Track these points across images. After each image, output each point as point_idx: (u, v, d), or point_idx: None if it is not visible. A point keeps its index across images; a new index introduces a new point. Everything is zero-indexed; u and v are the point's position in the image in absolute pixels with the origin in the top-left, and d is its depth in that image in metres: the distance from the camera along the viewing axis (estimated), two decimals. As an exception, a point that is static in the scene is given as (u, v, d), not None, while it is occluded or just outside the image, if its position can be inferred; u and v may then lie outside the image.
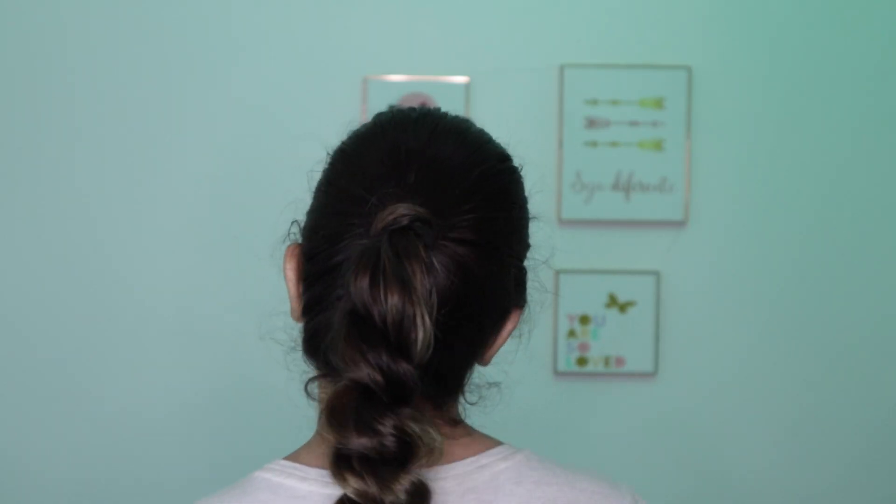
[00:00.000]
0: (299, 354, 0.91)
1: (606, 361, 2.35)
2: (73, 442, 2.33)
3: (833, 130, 2.39)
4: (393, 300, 0.77)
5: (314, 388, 0.87)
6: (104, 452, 2.33)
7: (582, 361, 2.35)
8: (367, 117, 2.38)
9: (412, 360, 0.78)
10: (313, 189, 0.93)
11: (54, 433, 2.33)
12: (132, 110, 2.33)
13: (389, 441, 0.76)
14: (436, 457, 0.79)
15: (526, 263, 0.92)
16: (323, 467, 0.83)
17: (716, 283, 2.38)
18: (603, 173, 2.35)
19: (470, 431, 0.90)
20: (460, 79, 2.32)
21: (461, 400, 0.90)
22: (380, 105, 2.30)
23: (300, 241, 0.91)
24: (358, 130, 0.93)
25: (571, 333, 2.35)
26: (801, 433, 2.39)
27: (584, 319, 2.35)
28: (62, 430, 2.33)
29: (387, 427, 0.76)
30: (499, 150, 0.93)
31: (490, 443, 0.89)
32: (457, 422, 0.89)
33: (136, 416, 2.33)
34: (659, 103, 2.36)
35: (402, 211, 0.80)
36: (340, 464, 0.77)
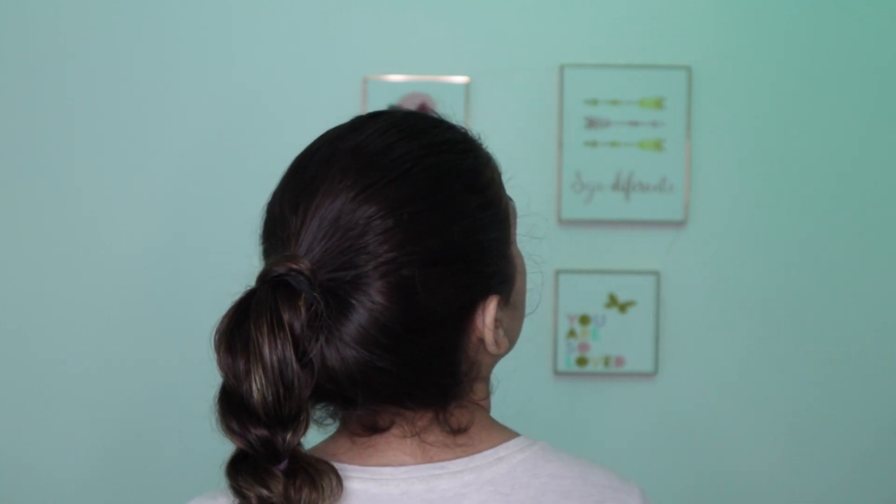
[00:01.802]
0: None
1: (606, 361, 2.36)
2: (73, 442, 2.33)
3: (833, 130, 2.39)
4: (261, 386, 0.79)
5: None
6: (104, 453, 2.33)
7: (582, 361, 2.36)
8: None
9: (281, 423, 0.80)
10: None
11: (54, 434, 2.33)
12: (129, 110, 2.33)
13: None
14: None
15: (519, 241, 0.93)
16: (343, 462, 0.86)
17: (716, 283, 2.38)
18: (603, 173, 2.35)
19: (487, 423, 0.91)
20: (460, 79, 2.32)
21: (470, 398, 0.90)
22: (380, 105, 2.30)
23: None
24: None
25: (571, 333, 2.35)
26: (801, 433, 2.39)
27: (584, 319, 2.35)
28: (62, 431, 2.33)
29: (269, 493, 0.80)
30: (435, 141, 0.89)
31: (507, 434, 0.91)
32: (461, 428, 0.89)
33: (136, 416, 2.33)
34: (659, 103, 2.36)
35: (272, 265, 0.82)
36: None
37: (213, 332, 0.80)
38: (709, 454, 2.39)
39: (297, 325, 0.79)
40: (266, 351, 0.78)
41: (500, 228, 0.90)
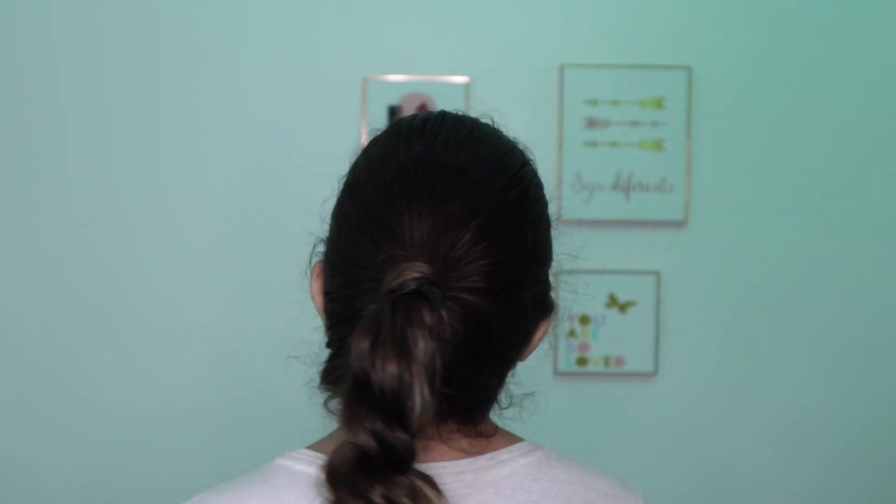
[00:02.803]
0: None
1: (606, 361, 2.35)
2: (73, 443, 2.33)
3: (833, 130, 2.39)
4: (391, 369, 0.77)
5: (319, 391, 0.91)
6: (104, 453, 2.33)
7: (582, 361, 2.35)
8: (367, 117, 2.39)
9: (408, 429, 0.77)
10: (336, 192, 0.92)
11: (55, 436, 2.33)
12: (129, 110, 2.33)
13: None
14: None
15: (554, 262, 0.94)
16: None
17: (716, 283, 2.38)
18: (603, 173, 2.35)
19: (493, 428, 0.91)
20: (460, 79, 2.32)
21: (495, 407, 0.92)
22: (380, 105, 2.30)
23: (323, 257, 0.91)
24: (360, 160, 0.91)
25: (571, 333, 2.35)
26: (801, 432, 2.39)
27: (584, 319, 2.35)
28: (62, 433, 2.33)
29: (376, 495, 0.76)
30: (514, 159, 0.92)
31: (511, 439, 0.91)
32: (483, 433, 0.90)
33: (135, 417, 2.33)
34: (659, 103, 2.36)
35: (408, 275, 0.79)
36: None
37: (356, 348, 0.78)
38: (708, 454, 2.39)
39: (436, 335, 0.79)
40: (423, 358, 0.77)
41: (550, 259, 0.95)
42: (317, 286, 0.90)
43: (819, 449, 2.40)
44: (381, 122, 2.27)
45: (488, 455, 0.88)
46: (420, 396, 0.77)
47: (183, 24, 2.34)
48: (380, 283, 0.80)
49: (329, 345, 0.89)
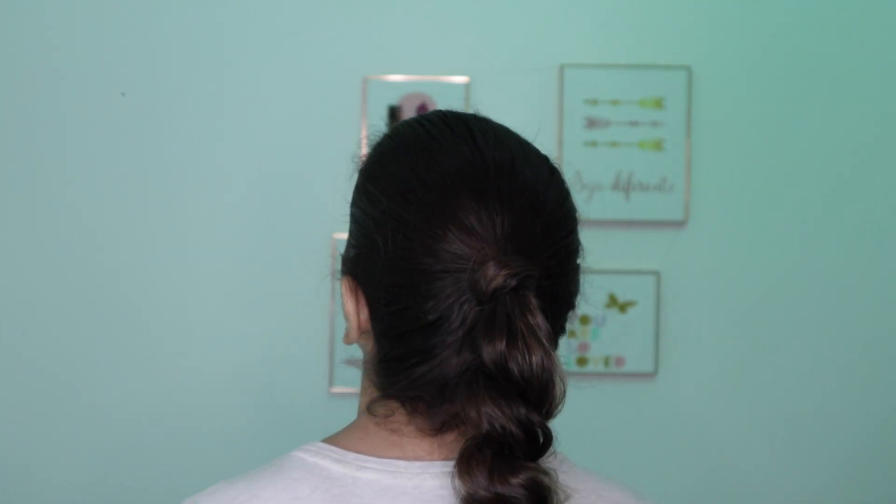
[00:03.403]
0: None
1: (606, 361, 2.35)
2: (73, 444, 2.33)
3: (833, 130, 2.39)
4: (536, 359, 0.80)
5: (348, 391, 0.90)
6: (105, 454, 2.33)
7: (582, 361, 2.35)
8: (367, 117, 2.39)
9: (550, 414, 0.81)
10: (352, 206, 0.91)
11: (55, 436, 2.33)
12: (129, 110, 2.33)
13: (521, 494, 0.78)
14: None
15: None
16: (360, 452, 0.87)
17: (716, 283, 2.38)
18: (603, 173, 2.35)
19: None
20: (460, 79, 2.32)
21: None
22: (380, 105, 2.30)
23: (348, 266, 0.90)
24: (397, 167, 0.89)
25: (571, 333, 2.35)
26: (801, 433, 2.39)
27: (584, 319, 2.35)
28: (63, 433, 2.33)
29: (519, 480, 0.78)
30: (541, 153, 0.92)
31: None
32: None
33: (136, 418, 2.33)
34: (659, 103, 2.36)
35: (509, 270, 0.81)
36: None
37: (492, 348, 0.80)
38: (708, 454, 2.39)
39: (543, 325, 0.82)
40: (551, 345, 0.82)
41: None
42: (352, 304, 0.88)
43: (819, 449, 2.40)
44: (381, 122, 2.27)
45: None
46: (561, 382, 0.81)
47: (183, 24, 2.34)
48: (462, 286, 0.82)
49: (389, 358, 0.87)
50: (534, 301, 0.82)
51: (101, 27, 2.33)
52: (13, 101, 2.33)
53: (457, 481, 0.79)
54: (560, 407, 0.81)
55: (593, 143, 2.36)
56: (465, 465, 0.79)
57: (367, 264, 0.86)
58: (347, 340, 0.91)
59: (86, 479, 2.33)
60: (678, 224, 2.37)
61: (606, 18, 2.37)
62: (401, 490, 0.85)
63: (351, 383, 2.23)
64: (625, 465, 2.32)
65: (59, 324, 2.33)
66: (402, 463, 0.86)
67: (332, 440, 0.90)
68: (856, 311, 2.40)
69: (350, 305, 0.88)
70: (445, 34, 2.36)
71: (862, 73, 2.39)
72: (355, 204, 0.90)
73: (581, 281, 0.94)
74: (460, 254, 0.82)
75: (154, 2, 2.33)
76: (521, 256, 0.82)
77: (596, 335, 2.35)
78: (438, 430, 0.86)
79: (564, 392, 0.82)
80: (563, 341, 2.41)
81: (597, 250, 2.65)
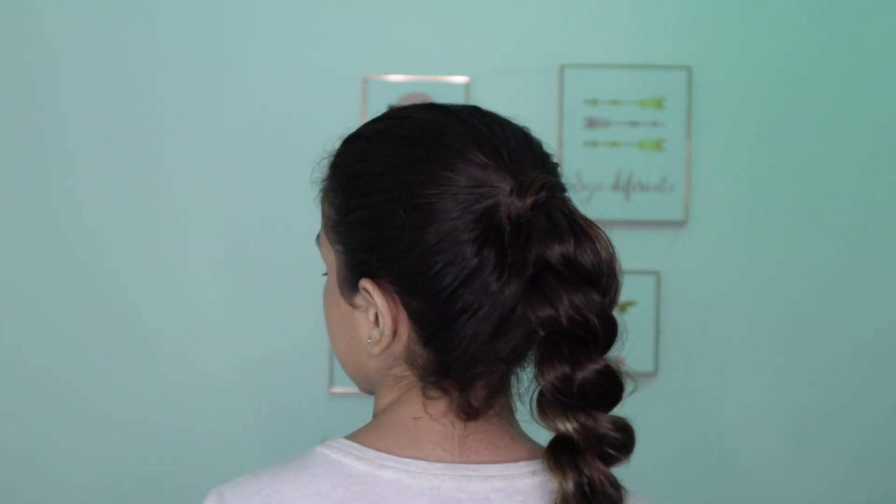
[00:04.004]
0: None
1: (606, 361, 2.35)
2: (73, 444, 2.33)
3: (833, 130, 2.39)
4: (602, 247, 0.85)
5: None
6: (103, 454, 2.33)
7: (582, 361, 2.35)
8: (367, 117, 2.39)
9: (615, 302, 0.89)
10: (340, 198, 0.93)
11: (54, 436, 2.33)
12: (130, 109, 2.33)
13: (598, 382, 0.84)
14: None
15: None
16: (380, 450, 0.87)
17: (716, 283, 2.38)
18: (603, 173, 2.35)
19: (521, 434, 0.92)
20: (460, 79, 2.32)
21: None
22: (380, 105, 2.30)
23: (372, 268, 0.90)
24: (374, 143, 0.93)
25: (571, 333, 2.34)
26: (802, 432, 2.40)
27: (584, 319, 2.35)
28: (62, 433, 2.33)
29: (598, 367, 0.85)
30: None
31: (541, 450, 0.90)
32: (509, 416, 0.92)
33: (136, 418, 2.33)
34: (659, 103, 2.36)
35: (540, 181, 0.85)
36: (569, 402, 0.82)
37: (549, 245, 0.83)
38: (708, 454, 2.39)
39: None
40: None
41: None
42: (382, 299, 0.88)
43: (820, 449, 2.40)
44: (381, 122, 2.27)
45: (519, 463, 0.89)
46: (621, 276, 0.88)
47: (183, 24, 2.34)
48: (508, 204, 0.85)
49: (439, 328, 0.87)
50: (571, 200, 0.87)
51: (101, 28, 2.33)
52: (13, 101, 2.33)
53: (540, 379, 0.82)
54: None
55: (593, 143, 2.36)
56: (546, 355, 0.82)
57: (388, 251, 0.87)
58: (381, 345, 0.90)
59: (86, 479, 2.33)
60: (678, 224, 2.37)
61: (606, 18, 2.37)
62: (419, 490, 0.86)
63: (351, 383, 2.23)
64: (624, 465, 2.32)
65: (60, 324, 2.33)
66: (421, 463, 0.87)
67: (353, 437, 0.91)
68: (856, 310, 2.40)
69: (381, 301, 0.88)
70: (445, 34, 2.36)
71: (862, 73, 2.39)
72: (347, 210, 0.90)
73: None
74: (482, 186, 0.85)
75: (154, 2, 2.33)
76: (538, 171, 0.88)
77: (596, 335, 2.35)
78: (476, 410, 0.88)
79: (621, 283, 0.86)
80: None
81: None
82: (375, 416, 0.93)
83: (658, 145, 2.36)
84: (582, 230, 0.84)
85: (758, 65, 2.38)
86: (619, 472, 0.95)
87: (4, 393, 2.33)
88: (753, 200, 2.39)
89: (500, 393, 0.90)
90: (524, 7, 2.36)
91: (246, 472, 0.90)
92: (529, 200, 0.84)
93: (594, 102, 2.35)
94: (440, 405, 0.89)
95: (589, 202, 2.33)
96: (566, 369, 0.82)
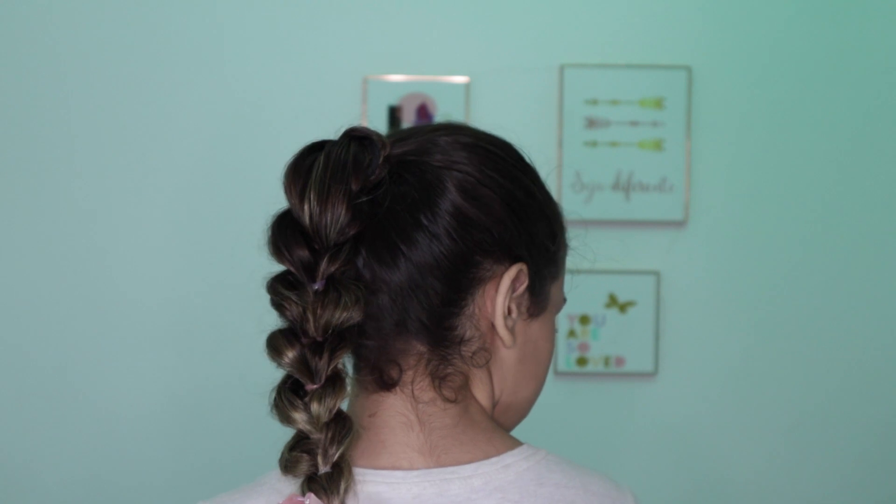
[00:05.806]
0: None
1: (606, 361, 2.35)
2: (73, 444, 2.33)
3: (833, 130, 2.39)
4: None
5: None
6: (103, 454, 2.33)
7: (582, 361, 2.35)
8: (367, 117, 2.39)
9: None
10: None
11: (54, 435, 2.33)
12: (129, 109, 2.33)
13: None
14: None
15: None
16: (357, 465, 0.86)
17: (716, 283, 2.38)
18: (603, 173, 2.35)
19: (493, 428, 0.91)
20: (460, 79, 2.32)
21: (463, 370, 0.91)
22: (380, 105, 2.30)
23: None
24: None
25: (571, 333, 2.35)
26: (800, 433, 2.39)
27: (584, 319, 2.35)
28: (62, 433, 2.33)
29: None
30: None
31: (512, 442, 0.91)
32: (453, 400, 0.89)
33: (132, 415, 2.33)
34: (659, 103, 2.36)
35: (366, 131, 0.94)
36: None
37: (288, 166, 0.93)
38: (708, 454, 2.39)
39: (359, 179, 0.89)
40: (325, 188, 0.90)
41: None
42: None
43: (819, 449, 2.40)
44: (381, 122, 2.27)
45: (492, 459, 0.88)
46: None
47: (183, 24, 2.34)
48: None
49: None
50: (356, 158, 0.96)
51: (101, 28, 2.33)
52: (13, 101, 2.33)
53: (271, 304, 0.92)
54: None
55: (593, 143, 2.36)
56: (273, 289, 0.91)
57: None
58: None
59: (86, 479, 2.33)
60: (678, 224, 2.37)
61: (606, 18, 2.37)
62: (401, 501, 0.85)
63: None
64: (624, 464, 2.32)
65: (60, 323, 2.33)
66: (398, 473, 0.86)
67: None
68: (856, 311, 2.40)
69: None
70: (445, 34, 2.36)
71: (862, 73, 2.39)
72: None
73: None
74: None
75: (155, 2, 2.33)
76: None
77: (596, 335, 2.35)
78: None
79: None
80: (564, 341, 2.42)
81: (597, 250, 2.66)
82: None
83: (658, 145, 2.36)
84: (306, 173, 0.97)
85: (758, 65, 2.38)
86: (619, 472, 0.95)
87: (4, 392, 2.33)
88: (753, 200, 2.39)
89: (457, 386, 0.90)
90: (524, 7, 2.36)
91: (245, 472, 0.90)
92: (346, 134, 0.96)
93: (594, 102, 2.35)
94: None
95: (589, 202, 2.33)
96: None
